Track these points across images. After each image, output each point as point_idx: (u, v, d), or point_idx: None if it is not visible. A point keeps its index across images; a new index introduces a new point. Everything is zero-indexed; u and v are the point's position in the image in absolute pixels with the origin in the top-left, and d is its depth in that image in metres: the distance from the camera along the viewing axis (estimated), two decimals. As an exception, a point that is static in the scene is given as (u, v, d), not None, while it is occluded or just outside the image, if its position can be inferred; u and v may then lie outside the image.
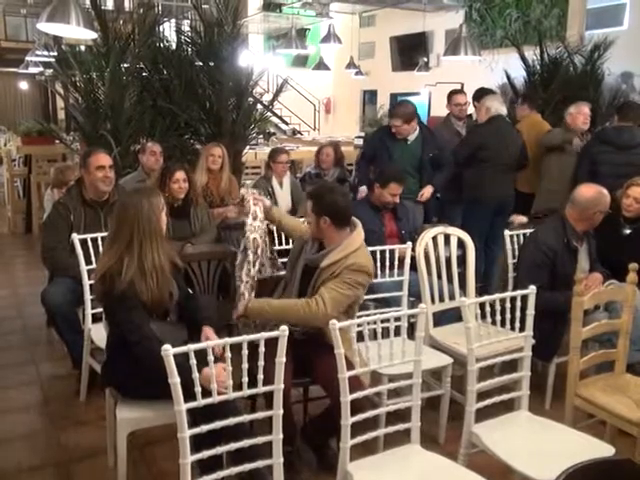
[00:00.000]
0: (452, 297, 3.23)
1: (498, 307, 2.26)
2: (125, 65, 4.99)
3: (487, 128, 4.50)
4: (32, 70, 8.53)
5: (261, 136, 7.91)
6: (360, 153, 4.88)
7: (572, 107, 4.70)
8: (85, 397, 3.20)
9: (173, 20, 6.57)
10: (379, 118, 11.62)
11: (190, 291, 2.72)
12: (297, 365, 2.46)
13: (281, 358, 1.86)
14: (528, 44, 7.18)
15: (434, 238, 3.27)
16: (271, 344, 1.85)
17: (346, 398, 1.94)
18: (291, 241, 3.16)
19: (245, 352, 1.82)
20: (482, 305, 2.29)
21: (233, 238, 3.65)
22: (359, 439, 2.00)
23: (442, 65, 10.48)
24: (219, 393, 1.85)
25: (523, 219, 3.89)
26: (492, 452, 2.08)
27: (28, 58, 8.30)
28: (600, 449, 2.06)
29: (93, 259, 3.00)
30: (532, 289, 2.28)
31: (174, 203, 3.60)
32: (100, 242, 3.02)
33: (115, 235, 2.31)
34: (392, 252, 3.18)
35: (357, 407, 1.99)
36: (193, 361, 1.75)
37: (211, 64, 5.26)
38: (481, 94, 4.98)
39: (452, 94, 5.09)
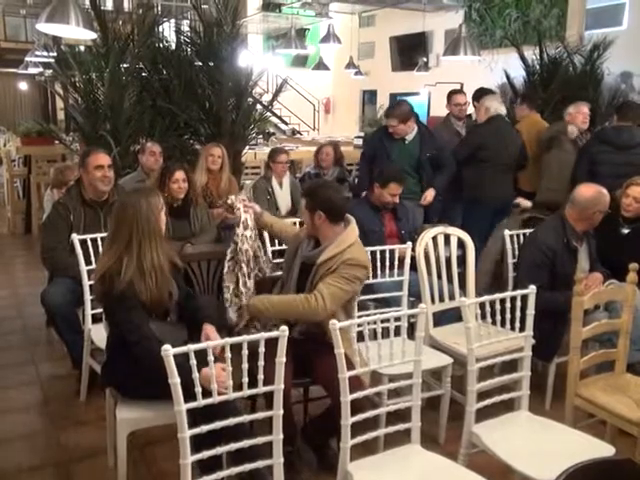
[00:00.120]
0: (452, 297, 3.23)
1: (498, 307, 2.26)
2: (124, 65, 4.99)
3: (486, 128, 4.50)
4: (32, 70, 8.53)
5: (261, 136, 7.91)
6: (361, 154, 4.89)
7: (571, 107, 4.70)
8: (85, 397, 3.20)
9: (172, 20, 6.57)
10: (379, 118, 11.60)
11: (190, 291, 2.72)
12: (297, 365, 2.46)
13: (281, 358, 1.86)
14: (528, 44, 7.18)
15: (434, 238, 3.26)
16: (271, 344, 1.85)
17: (346, 398, 1.94)
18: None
19: (245, 352, 1.82)
20: (482, 305, 2.29)
21: (233, 238, 3.64)
22: (359, 439, 2.00)
23: (442, 65, 10.48)
24: (219, 393, 1.85)
25: (528, 203, 3.87)
26: (492, 452, 2.08)
27: (27, 58, 8.30)
28: (600, 449, 2.06)
29: (93, 259, 3.00)
30: (532, 289, 2.28)
31: (174, 203, 3.60)
32: (100, 242, 3.02)
33: (114, 235, 2.31)
34: (392, 252, 3.18)
35: (357, 407, 1.99)
36: (193, 361, 1.75)
37: (210, 64, 5.26)
38: (481, 94, 4.98)
39: (452, 94, 5.09)
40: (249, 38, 11.56)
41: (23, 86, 15.31)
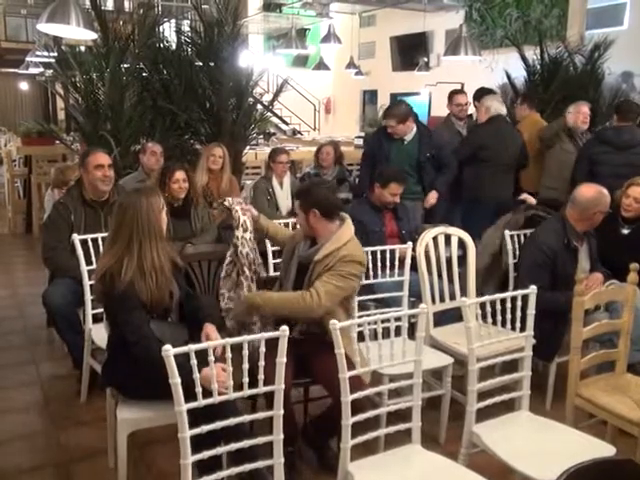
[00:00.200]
0: (452, 297, 3.23)
1: (499, 307, 2.26)
2: (125, 65, 5.00)
3: (487, 128, 4.50)
4: (32, 71, 8.52)
5: (261, 136, 7.91)
6: (362, 154, 4.90)
7: (571, 107, 4.71)
8: (85, 397, 3.20)
9: (173, 20, 6.57)
10: (379, 118, 11.59)
11: (190, 291, 2.72)
12: (297, 365, 2.46)
13: (282, 358, 1.86)
14: (528, 44, 7.17)
15: (435, 238, 3.26)
16: (271, 344, 1.85)
17: (347, 398, 1.94)
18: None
19: (245, 352, 1.82)
20: (482, 305, 2.29)
21: (233, 241, 3.65)
22: (360, 439, 2.00)
23: (442, 65, 10.48)
24: (219, 393, 1.85)
25: (533, 200, 3.87)
26: (493, 452, 2.08)
27: (28, 59, 8.29)
28: (601, 449, 2.06)
29: (93, 259, 3.00)
30: (532, 289, 2.28)
31: (174, 203, 3.60)
32: (100, 242, 3.02)
33: (115, 235, 2.31)
34: (392, 252, 3.18)
35: (358, 407, 1.99)
36: (194, 361, 1.75)
37: (211, 64, 5.27)
38: (481, 94, 4.98)
39: (453, 94, 5.09)
40: (250, 38, 11.57)
41: (24, 86, 15.32)
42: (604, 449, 2.06)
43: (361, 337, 2.06)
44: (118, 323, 2.26)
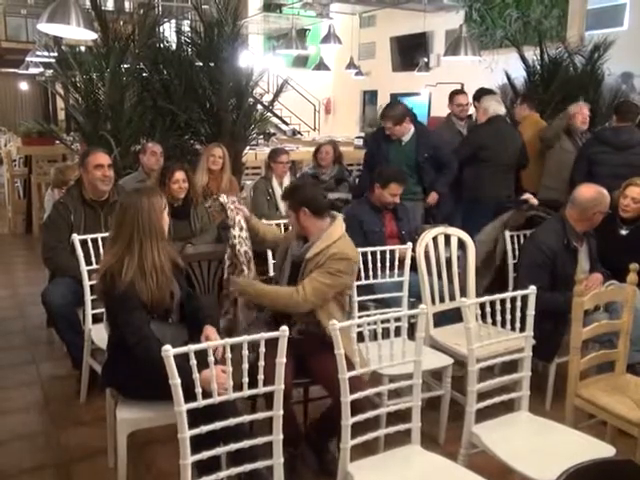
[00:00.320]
0: (452, 297, 3.23)
1: (498, 307, 2.26)
2: (125, 66, 5.00)
3: (486, 129, 4.50)
4: (32, 71, 8.52)
5: (261, 137, 7.91)
6: (364, 155, 4.91)
7: (571, 107, 4.71)
8: (85, 397, 3.20)
9: (173, 21, 6.58)
10: (379, 119, 11.59)
11: (191, 291, 2.72)
12: (297, 365, 2.47)
13: (281, 358, 1.86)
14: (528, 44, 7.17)
15: (434, 238, 3.26)
16: (271, 345, 1.85)
17: (346, 398, 1.94)
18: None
19: (245, 352, 1.83)
20: (482, 305, 2.29)
21: (229, 242, 3.65)
22: (360, 439, 2.00)
23: (442, 65, 10.48)
24: (219, 394, 1.85)
25: (535, 201, 3.87)
26: (492, 452, 2.08)
27: (28, 59, 8.29)
28: (601, 449, 2.06)
29: (93, 260, 3.00)
30: (532, 289, 2.28)
31: (174, 203, 3.60)
32: (100, 242, 3.02)
33: (116, 235, 2.31)
34: (392, 252, 3.18)
35: (358, 407, 1.99)
36: (193, 361, 1.75)
37: (211, 64, 5.27)
38: (481, 94, 4.98)
39: (454, 94, 5.09)
40: (250, 38, 11.57)
41: (24, 86, 15.31)
42: (604, 449, 2.06)
43: (361, 337, 2.06)
44: (118, 324, 2.26)
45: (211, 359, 1.79)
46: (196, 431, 1.79)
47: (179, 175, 3.60)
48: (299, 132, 12.69)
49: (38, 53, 7.38)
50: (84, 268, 3.00)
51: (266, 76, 8.87)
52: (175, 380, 1.73)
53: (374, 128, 9.05)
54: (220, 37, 5.21)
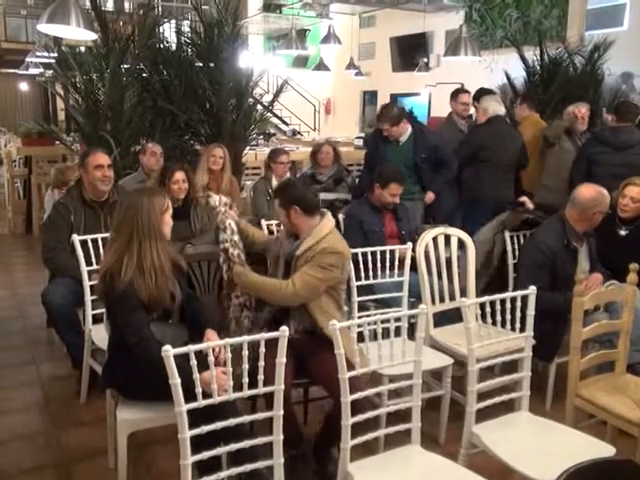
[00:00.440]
0: (452, 297, 3.23)
1: (498, 307, 2.26)
2: (125, 66, 5.00)
3: (486, 129, 4.50)
4: (32, 71, 8.52)
5: (261, 137, 7.91)
6: (364, 155, 4.91)
7: (570, 107, 4.71)
8: (85, 398, 3.20)
9: (173, 21, 6.58)
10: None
11: (191, 292, 2.72)
12: (297, 366, 2.46)
13: (281, 359, 1.86)
14: (528, 44, 7.18)
15: (434, 239, 3.26)
16: (271, 345, 1.85)
17: (346, 399, 1.94)
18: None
19: (245, 353, 1.83)
20: (482, 305, 2.29)
21: (221, 246, 3.66)
22: (360, 439, 2.00)
23: (442, 65, 10.48)
24: (219, 395, 1.85)
25: (531, 205, 3.89)
26: (492, 452, 2.08)
27: (28, 59, 8.29)
28: (601, 449, 2.06)
29: (93, 260, 3.00)
30: (532, 289, 2.28)
31: (174, 203, 3.59)
32: (100, 243, 3.02)
33: (116, 234, 2.31)
34: (392, 252, 3.18)
35: (358, 407, 1.99)
36: (193, 362, 1.75)
37: (211, 65, 5.27)
38: (481, 94, 4.99)
39: (458, 93, 5.10)
40: (250, 39, 11.56)
41: (24, 87, 15.30)
42: (604, 449, 2.06)
43: (361, 337, 2.06)
44: (119, 324, 2.26)
45: (211, 359, 1.79)
46: (196, 431, 1.79)
47: (179, 175, 3.60)
48: (299, 132, 12.69)
49: (38, 54, 7.38)
50: (84, 268, 3.00)
51: (266, 76, 8.88)
52: (175, 380, 1.73)
53: (374, 128, 9.07)
54: (220, 37, 5.21)
